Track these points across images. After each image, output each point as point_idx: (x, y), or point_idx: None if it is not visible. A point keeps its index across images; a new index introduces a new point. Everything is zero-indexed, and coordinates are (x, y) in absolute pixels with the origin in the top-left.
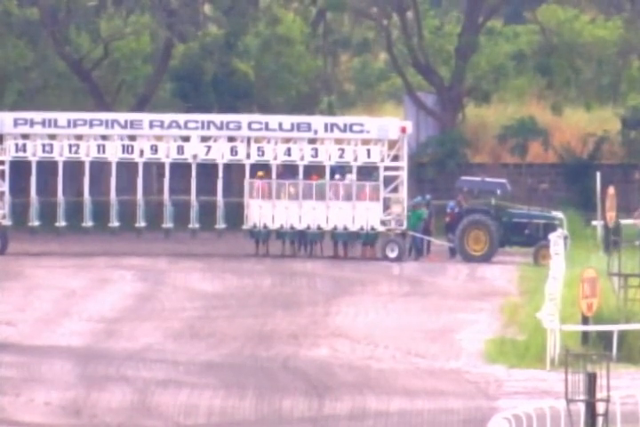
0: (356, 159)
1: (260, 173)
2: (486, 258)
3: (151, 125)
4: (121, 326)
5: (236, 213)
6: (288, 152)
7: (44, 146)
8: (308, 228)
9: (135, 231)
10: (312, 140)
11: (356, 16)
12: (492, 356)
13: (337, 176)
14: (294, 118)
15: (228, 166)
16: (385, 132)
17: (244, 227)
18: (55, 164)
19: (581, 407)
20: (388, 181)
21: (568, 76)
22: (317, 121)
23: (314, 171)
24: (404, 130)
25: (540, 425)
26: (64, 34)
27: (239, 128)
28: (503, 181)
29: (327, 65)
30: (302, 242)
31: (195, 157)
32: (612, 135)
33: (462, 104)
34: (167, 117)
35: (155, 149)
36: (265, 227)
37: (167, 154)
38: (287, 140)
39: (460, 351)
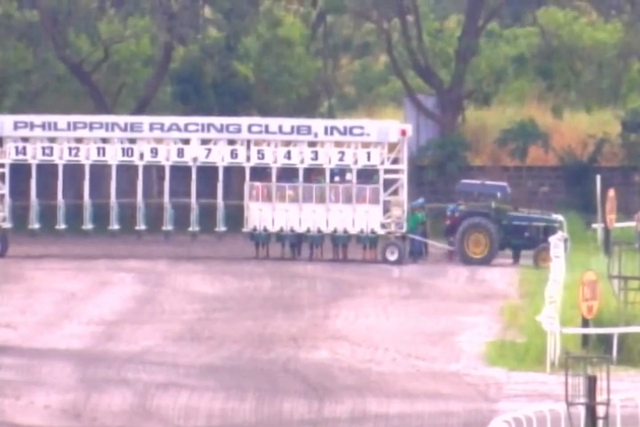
0: (356, 162)
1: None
2: (486, 261)
3: (151, 128)
4: (121, 329)
5: (236, 216)
6: (288, 155)
7: (44, 149)
8: (308, 230)
9: (135, 234)
10: (312, 143)
11: (356, 19)
12: (492, 358)
13: (336, 178)
14: (294, 121)
15: (228, 169)
16: (385, 134)
17: (244, 229)
18: (55, 166)
19: (581, 410)
20: (388, 183)
21: (568, 78)
22: (317, 124)
23: (313, 173)
24: (404, 133)
25: None
26: (64, 36)
27: (239, 131)
28: (503, 184)
29: (327, 68)
30: (298, 245)
31: (195, 159)
32: (612, 138)
33: (462, 107)
34: (167, 120)
35: (155, 152)
36: (265, 229)
37: (167, 157)
38: (287, 143)
39: (460, 354)
